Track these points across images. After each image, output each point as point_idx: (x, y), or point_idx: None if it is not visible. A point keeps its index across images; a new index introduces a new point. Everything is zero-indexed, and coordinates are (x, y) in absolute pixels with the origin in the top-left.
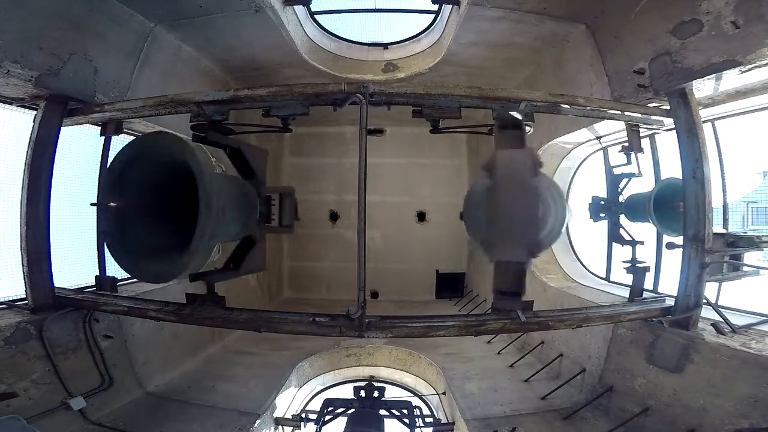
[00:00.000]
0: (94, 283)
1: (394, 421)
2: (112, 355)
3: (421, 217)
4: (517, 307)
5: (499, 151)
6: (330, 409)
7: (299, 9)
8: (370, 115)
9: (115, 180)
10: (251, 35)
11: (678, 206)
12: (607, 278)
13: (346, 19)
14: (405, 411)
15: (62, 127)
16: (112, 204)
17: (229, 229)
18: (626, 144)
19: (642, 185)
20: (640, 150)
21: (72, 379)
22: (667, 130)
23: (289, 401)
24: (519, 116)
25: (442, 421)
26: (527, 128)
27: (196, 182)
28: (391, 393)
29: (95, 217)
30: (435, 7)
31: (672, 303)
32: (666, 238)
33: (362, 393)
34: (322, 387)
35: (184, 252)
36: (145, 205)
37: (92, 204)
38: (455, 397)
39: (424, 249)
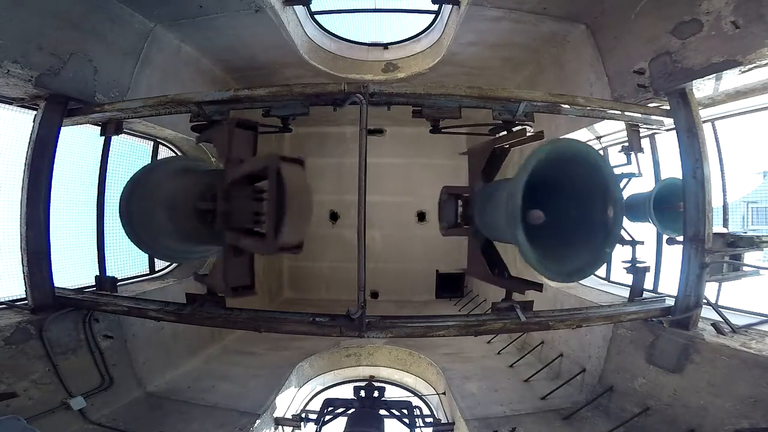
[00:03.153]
0: (94, 283)
1: (394, 421)
2: (112, 355)
3: (421, 217)
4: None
5: None
6: (330, 409)
7: (299, 9)
8: (370, 115)
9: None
10: (251, 35)
11: (678, 206)
12: (607, 278)
13: (346, 19)
14: (405, 411)
15: (62, 127)
16: None
17: None
18: (626, 144)
19: (642, 185)
20: (640, 150)
21: (72, 379)
22: (667, 130)
23: (289, 401)
24: None
25: (442, 421)
26: (527, 128)
27: None
28: (391, 393)
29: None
30: (435, 7)
31: (672, 303)
32: (666, 237)
33: (362, 393)
34: (322, 387)
35: None
36: None
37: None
38: (455, 397)
39: (424, 249)
